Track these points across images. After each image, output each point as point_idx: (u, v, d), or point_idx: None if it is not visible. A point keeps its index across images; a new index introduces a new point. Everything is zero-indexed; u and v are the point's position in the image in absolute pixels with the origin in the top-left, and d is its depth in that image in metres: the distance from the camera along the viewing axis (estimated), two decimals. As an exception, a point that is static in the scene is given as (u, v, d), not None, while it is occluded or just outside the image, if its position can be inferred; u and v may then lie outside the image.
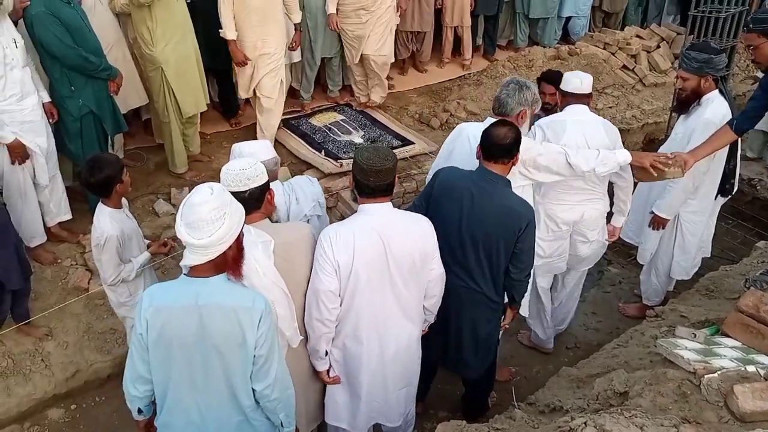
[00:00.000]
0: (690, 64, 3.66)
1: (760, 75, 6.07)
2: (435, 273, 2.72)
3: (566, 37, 7.75)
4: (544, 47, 7.34)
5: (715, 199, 3.99)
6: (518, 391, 3.72)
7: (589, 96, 3.57)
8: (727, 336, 2.77)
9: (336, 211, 4.94)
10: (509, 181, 2.88)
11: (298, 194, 3.04)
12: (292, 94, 6.02)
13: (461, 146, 3.23)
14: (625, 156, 3.29)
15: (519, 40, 7.50)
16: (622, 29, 7.90)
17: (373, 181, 2.49)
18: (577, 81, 3.54)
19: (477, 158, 2.89)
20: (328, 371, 2.75)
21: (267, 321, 2.12)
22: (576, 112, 3.49)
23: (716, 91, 3.67)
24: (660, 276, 4.25)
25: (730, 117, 3.56)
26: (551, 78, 4.13)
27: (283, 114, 5.78)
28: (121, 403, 3.45)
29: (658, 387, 2.51)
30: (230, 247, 2.07)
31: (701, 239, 4.13)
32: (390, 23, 5.73)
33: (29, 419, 3.67)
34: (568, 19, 7.63)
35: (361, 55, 5.70)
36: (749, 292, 2.89)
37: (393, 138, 5.57)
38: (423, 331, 2.91)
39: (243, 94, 5.25)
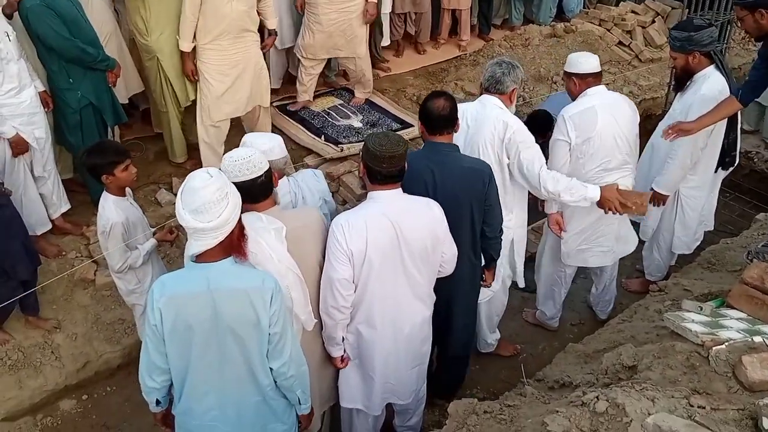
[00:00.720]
0: (674, 44, 3.68)
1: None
2: (447, 256, 2.76)
3: (561, 15, 7.71)
4: (540, 25, 7.31)
5: (715, 172, 4.02)
6: (526, 368, 3.77)
7: (601, 75, 3.54)
8: (733, 308, 2.81)
9: (338, 196, 4.95)
10: (457, 146, 3.00)
11: (305, 192, 3.04)
12: (291, 80, 5.99)
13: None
14: (594, 193, 3.31)
15: (514, 18, 7.46)
16: (616, 5, 7.87)
17: (385, 168, 2.52)
18: (592, 60, 3.49)
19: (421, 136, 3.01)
20: (342, 357, 2.78)
21: (278, 299, 2.15)
22: (599, 94, 3.46)
23: (711, 67, 3.65)
24: (662, 251, 4.30)
25: (728, 91, 3.56)
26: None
27: (282, 100, 5.77)
28: (132, 391, 3.54)
29: (667, 360, 2.55)
30: (234, 227, 2.10)
31: (702, 213, 4.16)
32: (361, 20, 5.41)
33: (42, 411, 3.70)
34: (563, -4, 7.60)
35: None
36: (753, 264, 2.92)
37: (392, 121, 5.57)
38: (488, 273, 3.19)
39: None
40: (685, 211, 4.04)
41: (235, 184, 2.37)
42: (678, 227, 4.11)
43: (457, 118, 2.90)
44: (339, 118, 5.60)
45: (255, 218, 2.42)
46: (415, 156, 2.92)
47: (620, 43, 7.28)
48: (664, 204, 3.99)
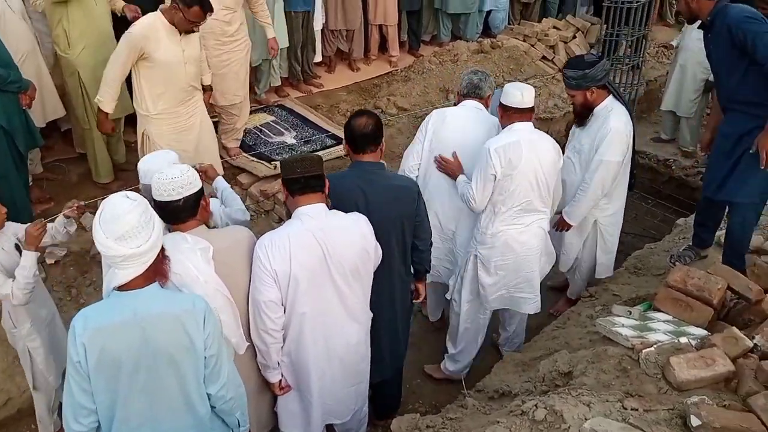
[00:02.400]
0: (569, 82, 3.64)
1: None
2: (377, 261, 2.76)
3: (487, 31, 7.93)
4: (467, 41, 7.48)
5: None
6: (466, 380, 3.80)
7: (532, 110, 3.35)
8: (659, 311, 2.93)
9: (274, 213, 4.88)
10: (383, 163, 3.02)
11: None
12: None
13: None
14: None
15: (442, 35, 7.61)
16: (539, 21, 8.15)
17: (300, 172, 2.48)
18: (518, 93, 3.29)
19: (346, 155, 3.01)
20: (279, 382, 2.70)
21: (211, 320, 2.09)
22: (522, 130, 3.31)
23: (610, 98, 3.64)
24: (583, 276, 4.24)
25: (629, 120, 3.63)
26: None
27: (212, 118, 5.65)
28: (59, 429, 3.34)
29: (600, 364, 2.63)
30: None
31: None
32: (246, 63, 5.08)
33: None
34: (489, 12, 7.81)
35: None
36: (676, 267, 3.06)
37: (326, 137, 5.55)
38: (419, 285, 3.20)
39: None
40: (606, 238, 4.01)
41: (162, 203, 2.31)
42: (599, 253, 4.06)
43: (381, 136, 2.89)
44: (272, 135, 5.53)
45: (180, 239, 2.33)
46: (343, 176, 2.91)
47: (544, 57, 7.53)
48: (567, 230, 3.92)
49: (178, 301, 2.09)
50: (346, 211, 2.71)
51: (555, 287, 4.61)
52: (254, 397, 2.70)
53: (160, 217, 2.37)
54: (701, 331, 2.69)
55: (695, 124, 6.33)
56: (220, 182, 3.18)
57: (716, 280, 2.84)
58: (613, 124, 3.56)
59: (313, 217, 2.52)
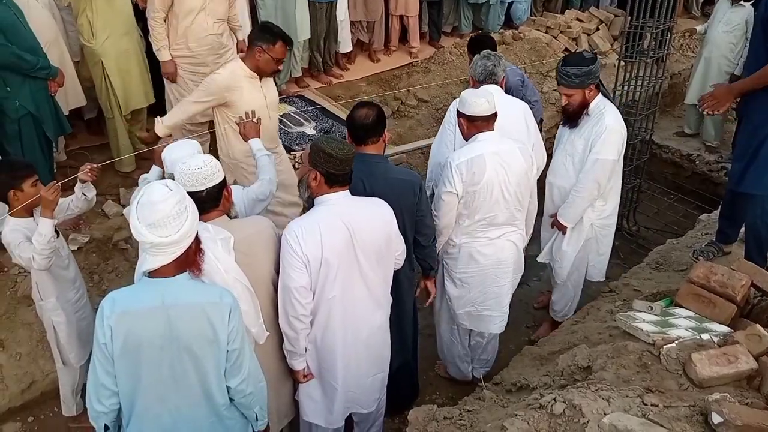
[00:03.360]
0: (571, 81, 3.45)
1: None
2: (399, 251, 2.78)
3: (509, 22, 7.86)
4: (488, 33, 7.42)
5: None
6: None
7: (495, 117, 3.19)
8: (681, 307, 2.90)
9: (292, 204, 4.90)
10: (385, 157, 3.02)
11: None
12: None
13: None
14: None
15: (463, 26, 7.57)
16: (562, 13, 8.07)
17: (348, 169, 2.52)
18: (483, 101, 3.12)
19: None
20: (303, 370, 2.72)
21: (236, 315, 2.11)
22: (488, 141, 3.15)
23: (600, 96, 3.55)
24: (575, 285, 4.03)
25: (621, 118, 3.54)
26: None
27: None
28: (81, 412, 3.40)
29: (620, 359, 2.61)
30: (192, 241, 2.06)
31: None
32: None
33: (-16, 435, 3.53)
34: (511, 4, 7.74)
35: None
36: (699, 263, 3.02)
37: (345, 128, 5.54)
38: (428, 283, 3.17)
39: None
40: (600, 240, 3.85)
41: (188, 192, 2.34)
42: (593, 257, 3.90)
43: (383, 128, 2.88)
44: (292, 126, 5.55)
45: (201, 228, 2.34)
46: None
47: (566, 50, 7.45)
48: (564, 233, 3.79)
49: (206, 293, 2.11)
50: None
51: (541, 308, 4.48)
52: (274, 386, 2.72)
53: None
54: (724, 328, 2.66)
55: (720, 119, 6.23)
56: (256, 143, 3.24)
57: (740, 277, 2.80)
58: (608, 121, 3.45)
59: (339, 202, 2.55)
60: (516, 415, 2.30)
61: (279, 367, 2.74)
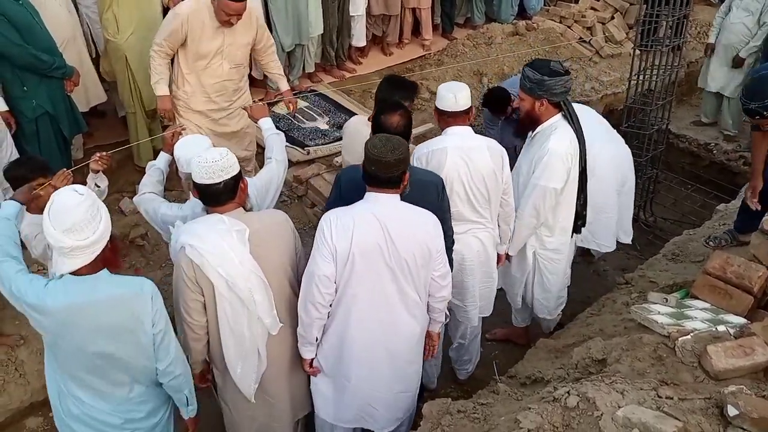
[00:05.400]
0: (523, 83, 3.22)
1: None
2: (438, 272, 2.64)
3: (522, 13, 7.79)
4: (502, 23, 7.38)
5: (572, 236, 3.58)
6: (498, 365, 3.79)
7: (467, 112, 3.10)
8: (697, 298, 2.88)
9: (306, 199, 4.93)
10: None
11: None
12: (253, 82, 5.93)
13: None
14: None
15: (476, 17, 7.52)
16: (576, 2, 7.99)
17: (375, 170, 2.44)
18: (450, 96, 3.05)
19: None
20: (311, 361, 2.72)
21: (158, 300, 2.21)
22: (456, 135, 3.08)
23: (559, 116, 3.23)
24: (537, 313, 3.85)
25: (576, 144, 3.24)
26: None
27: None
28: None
29: (635, 352, 2.60)
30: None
31: (564, 277, 3.73)
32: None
33: (7, 430, 3.59)
34: (524, -7, 7.68)
35: None
36: (715, 254, 3.00)
37: (358, 122, 5.55)
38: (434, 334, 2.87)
39: None
40: (544, 274, 3.59)
41: (202, 185, 2.40)
42: (537, 290, 3.66)
43: (409, 134, 2.88)
44: (305, 121, 5.56)
45: (216, 220, 2.41)
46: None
47: (581, 39, 7.39)
48: (508, 259, 3.59)
49: (126, 286, 2.19)
50: (355, 200, 2.73)
51: (494, 340, 4.19)
52: (287, 376, 2.75)
53: (200, 199, 2.47)
54: (740, 320, 2.64)
55: (738, 108, 6.14)
56: (266, 123, 3.27)
57: (757, 268, 2.78)
58: (551, 145, 3.17)
59: (382, 203, 2.50)
60: (530, 408, 2.30)
61: (291, 357, 2.74)
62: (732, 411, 2.03)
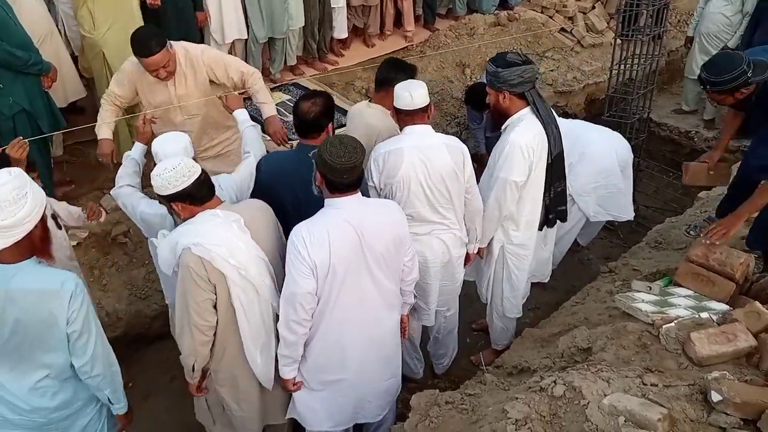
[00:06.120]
0: (486, 77, 3.21)
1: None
2: (408, 257, 2.71)
3: (504, 3, 7.78)
4: (483, 14, 7.37)
5: (541, 230, 3.50)
6: (485, 356, 3.82)
7: (425, 110, 3.03)
8: (680, 286, 2.90)
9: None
10: None
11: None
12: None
13: None
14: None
15: (458, 8, 7.49)
16: (557, -8, 7.99)
17: (347, 179, 2.43)
18: (406, 95, 2.98)
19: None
20: (293, 379, 2.69)
21: (78, 300, 2.18)
22: (414, 134, 3.02)
23: (527, 110, 3.15)
24: (502, 317, 3.75)
25: (542, 138, 3.15)
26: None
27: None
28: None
29: (620, 340, 2.62)
30: (36, 226, 2.12)
31: (531, 272, 3.66)
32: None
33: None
34: (505, -16, 7.67)
35: None
36: (697, 242, 3.02)
37: (342, 115, 5.52)
38: (404, 317, 2.90)
39: None
40: (512, 270, 3.52)
41: (181, 191, 2.39)
42: (506, 287, 3.59)
43: (327, 121, 2.90)
44: (288, 114, 5.51)
45: (210, 215, 2.44)
46: (286, 157, 2.95)
47: (562, 29, 7.41)
48: (482, 256, 3.57)
49: (47, 280, 2.17)
50: (280, 191, 2.76)
51: (478, 329, 4.24)
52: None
53: (182, 205, 2.45)
54: (723, 306, 2.67)
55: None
56: (241, 114, 3.26)
57: (738, 255, 2.81)
58: (512, 137, 3.09)
59: (348, 206, 2.49)
60: (517, 398, 2.32)
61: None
62: (715, 396, 2.05)
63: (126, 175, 3.00)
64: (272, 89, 5.92)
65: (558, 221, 3.52)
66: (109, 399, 2.40)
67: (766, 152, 3.10)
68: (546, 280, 3.86)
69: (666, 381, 2.21)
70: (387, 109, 3.39)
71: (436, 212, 3.07)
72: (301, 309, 2.46)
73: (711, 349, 2.31)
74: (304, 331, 2.54)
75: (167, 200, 2.46)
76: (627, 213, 4.26)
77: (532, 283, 3.79)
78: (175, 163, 2.42)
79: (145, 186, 3.31)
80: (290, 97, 5.79)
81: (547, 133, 3.14)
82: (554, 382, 2.31)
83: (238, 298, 2.46)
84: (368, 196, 3.01)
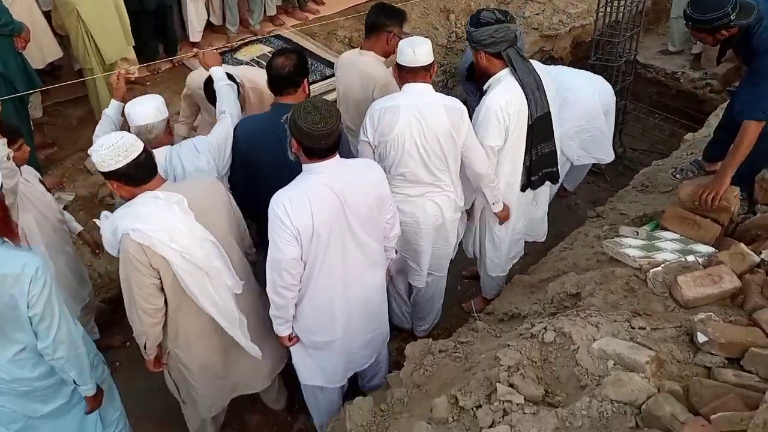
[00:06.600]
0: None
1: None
2: (390, 215, 2.71)
3: (487, -56, 7.58)
4: (467, -44, 7.17)
5: (524, 191, 3.41)
6: (476, 303, 3.88)
7: (428, 68, 2.95)
8: (666, 230, 2.94)
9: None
10: None
11: (177, 170, 2.80)
12: (213, 29, 5.74)
13: None
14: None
15: (441, -50, 7.29)
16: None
17: (324, 144, 2.38)
18: (409, 51, 2.90)
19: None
20: (289, 335, 2.73)
21: (39, 284, 2.15)
22: (413, 92, 2.94)
23: (505, 71, 3.06)
24: (486, 274, 3.78)
25: (521, 100, 3.04)
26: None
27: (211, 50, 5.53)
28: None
29: (608, 285, 2.67)
30: None
31: (514, 234, 3.59)
32: None
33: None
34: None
35: None
36: (683, 184, 3.05)
37: (325, 66, 5.43)
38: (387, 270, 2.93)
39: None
40: (494, 231, 3.50)
41: (116, 170, 2.30)
42: (489, 247, 3.57)
43: (302, 77, 2.84)
44: (270, 67, 5.41)
45: (151, 197, 2.35)
46: (260, 119, 2.88)
47: (547, -31, 7.24)
48: (501, 220, 3.45)
49: (7, 264, 2.14)
50: (262, 158, 2.73)
51: (469, 276, 4.27)
52: (257, 330, 2.77)
53: (123, 185, 2.37)
54: (708, 249, 2.71)
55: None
56: (217, 71, 3.15)
57: (724, 197, 2.84)
58: (488, 101, 3.03)
59: (328, 170, 2.45)
60: (509, 345, 2.37)
61: (256, 312, 2.77)
62: (701, 338, 2.11)
63: (102, 133, 2.90)
64: (252, 41, 5.81)
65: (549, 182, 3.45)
66: (75, 381, 2.38)
67: (744, 95, 3.09)
68: (542, 239, 3.81)
69: (653, 324, 2.27)
70: (379, 56, 3.33)
71: (430, 173, 3.02)
72: (287, 275, 2.46)
73: (697, 292, 2.37)
74: (293, 295, 2.56)
75: (105, 178, 2.38)
76: (609, 155, 4.28)
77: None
78: (115, 139, 2.30)
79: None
80: (271, 49, 5.67)
81: (526, 95, 3.05)
82: (545, 328, 2.37)
83: (187, 281, 2.40)
84: (354, 155, 3.00)
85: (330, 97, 5.13)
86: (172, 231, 2.31)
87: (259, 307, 2.78)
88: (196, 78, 3.51)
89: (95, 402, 2.53)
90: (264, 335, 2.79)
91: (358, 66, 3.35)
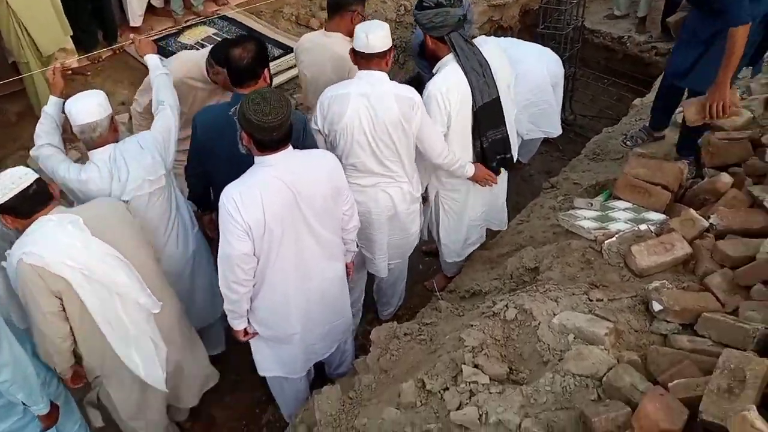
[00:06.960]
0: None
1: None
2: (347, 206, 2.66)
3: None
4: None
5: None
6: (437, 281, 3.90)
7: (383, 56, 2.81)
8: (619, 199, 3.00)
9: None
10: None
11: (121, 171, 2.66)
12: (155, 11, 5.54)
13: None
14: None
15: None
16: None
17: (276, 136, 2.31)
18: (362, 36, 2.76)
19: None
20: (245, 329, 2.69)
21: None
22: (366, 80, 2.83)
23: (450, 56, 2.97)
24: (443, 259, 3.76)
25: (463, 87, 2.95)
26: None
27: (152, 35, 5.34)
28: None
29: (565, 258, 2.72)
30: None
31: (471, 220, 3.51)
32: None
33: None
34: None
35: None
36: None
37: (273, 47, 5.31)
38: (348, 264, 2.90)
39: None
40: (449, 214, 3.45)
41: (3, 204, 2.23)
42: (442, 233, 3.52)
43: (261, 68, 2.73)
44: (216, 50, 5.26)
45: (45, 221, 2.28)
46: (217, 112, 2.79)
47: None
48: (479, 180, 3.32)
49: None
50: (218, 151, 2.68)
51: (428, 252, 4.20)
52: (185, 357, 2.77)
53: (12, 216, 2.29)
54: (660, 216, 2.78)
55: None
56: (152, 59, 3.04)
57: (671, 166, 2.91)
58: (430, 86, 2.97)
59: (280, 162, 2.38)
60: (472, 325, 2.40)
61: (181, 331, 2.76)
62: (656, 306, 2.17)
63: (44, 133, 2.78)
64: (196, 24, 5.62)
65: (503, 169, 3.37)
66: (23, 402, 2.28)
67: (679, 58, 3.19)
68: (504, 228, 3.75)
69: (610, 295, 2.33)
70: (346, 36, 3.21)
71: (381, 164, 2.95)
72: (239, 270, 2.42)
73: (650, 260, 2.43)
74: (245, 290, 2.51)
75: None
76: (557, 129, 4.32)
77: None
78: (2, 174, 2.23)
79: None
80: (216, 30, 5.51)
81: (469, 81, 2.94)
82: (506, 306, 2.40)
83: (88, 300, 2.31)
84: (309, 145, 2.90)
85: (279, 79, 5.05)
86: (68, 249, 2.22)
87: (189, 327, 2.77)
88: (178, 66, 3.22)
89: (50, 420, 2.43)
90: (194, 354, 2.81)
91: (327, 48, 3.23)
